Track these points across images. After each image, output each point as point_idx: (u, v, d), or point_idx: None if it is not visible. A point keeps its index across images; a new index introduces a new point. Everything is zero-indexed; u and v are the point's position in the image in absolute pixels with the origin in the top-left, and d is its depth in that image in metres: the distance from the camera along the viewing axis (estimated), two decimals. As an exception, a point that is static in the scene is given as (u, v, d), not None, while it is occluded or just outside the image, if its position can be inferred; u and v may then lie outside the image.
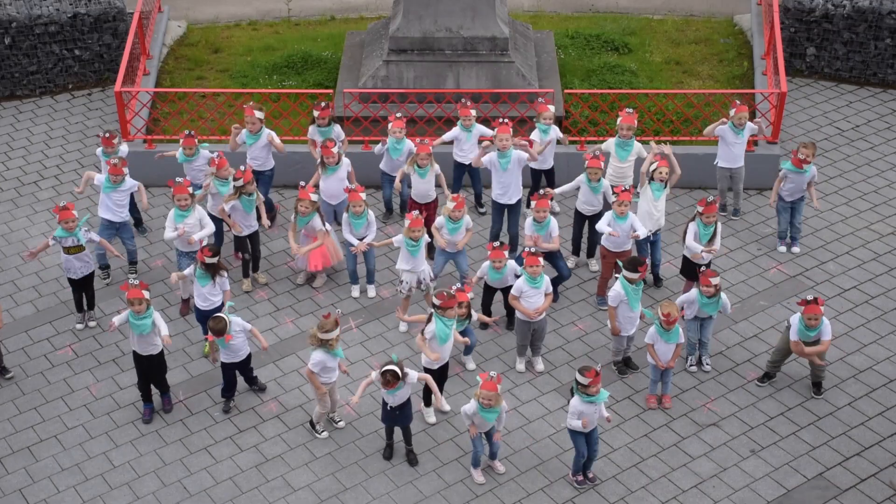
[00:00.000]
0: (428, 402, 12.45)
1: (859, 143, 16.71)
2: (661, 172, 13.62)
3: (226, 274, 12.86)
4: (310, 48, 18.25)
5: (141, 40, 17.17)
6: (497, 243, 12.83)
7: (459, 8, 15.82)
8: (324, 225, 13.79)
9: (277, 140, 14.59)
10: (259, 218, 13.94)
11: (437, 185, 14.44)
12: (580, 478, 11.78)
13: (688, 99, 16.21)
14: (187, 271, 12.94)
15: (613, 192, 13.39)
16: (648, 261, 13.65)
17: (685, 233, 13.43)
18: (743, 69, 17.75)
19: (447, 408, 12.51)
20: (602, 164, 13.82)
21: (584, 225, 14.21)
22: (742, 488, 11.80)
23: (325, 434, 12.32)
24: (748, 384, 12.94)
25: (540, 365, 13.13)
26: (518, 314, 12.76)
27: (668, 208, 14.59)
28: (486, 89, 15.80)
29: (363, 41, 17.33)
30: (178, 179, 13.48)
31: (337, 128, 14.83)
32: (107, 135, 14.27)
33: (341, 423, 12.46)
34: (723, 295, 12.62)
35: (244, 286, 14.17)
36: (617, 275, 12.73)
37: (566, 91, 16.46)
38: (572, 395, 11.31)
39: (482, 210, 15.44)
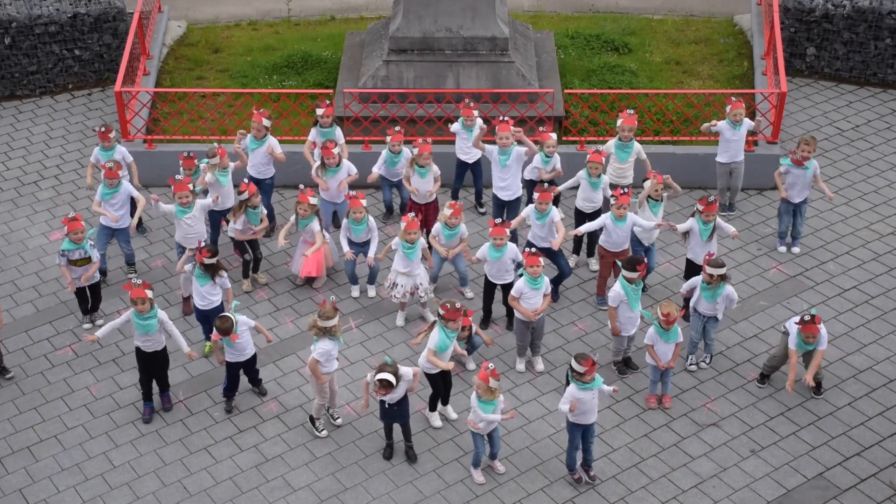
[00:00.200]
0: (433, 408, 12.45)
1: (859, 143, 16.71)
2: (657, 189, 13.62)
3: (225, 274, 12.87)
4: (310, 48, 18.25)
5: (141, 40, 17.17)
6: (499, 220, 12.85)
7: (459, 8, 15.82)
8: (322, 230, 13.80)
9: (278, 150, 14.56)
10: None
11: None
12: (577, 475, 11.79)
13: (688, 99, 16.21)
14: (188, 266, 12.94)
15: (612, 196, 13.38)
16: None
17: (687, 233, 13.45)
18: (743, 69, 17.75)
19: (454, 416, 12.49)
20: (603, 159, 13.84)
21: (584, 221, 14.18)
22: (742, 488, 11.80)
23: (324, 433, 12.33)
24: (748, 384, 12.94)
25: (540, 365, 13.13)
26: (517, 314, 12.77)
27: (668, 208, 14.60)
28: (486, 89, 15.80)
29: (363, 41, 17.33)
30: (178, 177, 13.49)
31: (338, 130, 14.77)
32: (102, 129, 14.27)
33: (339, 420, 12.47)
34: (729, 288, 12.58)
35: (244, 286, 14.17)
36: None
37: (566, 91, 16.45)
38: (567, 383, 11.33)
39: (482, 210, 15.44)
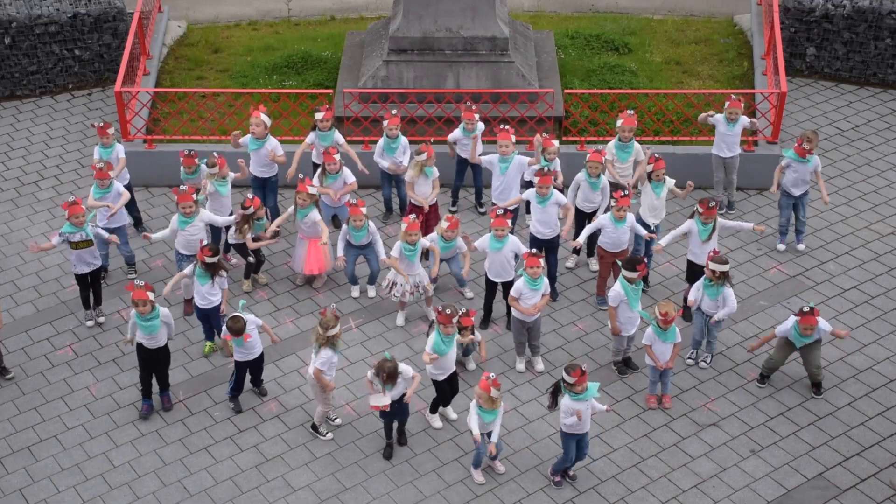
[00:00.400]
0: (434, 410, 12.45)
1: (859, 143, 16.71)
2: (658, 174, 13.65)
3: (225, 274, 12.87)
4: (310, 48, 18.25)
5: (141, 40, 17.17)
6: (501, 211, 12.86)
7: (459, 8, 15.82)
8: (321, 216, 13.81)
9: (280, 152, 14.54)
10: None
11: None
12: (558, 478, 11.79)
13: (688, 99, 16.21)
14: (187, 270, 12.95)
15: (612, 197, 13.38)
16: (646, 258, 13.68)
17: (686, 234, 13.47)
18: (743, 69, 17.75)
19: (453, 416, 12.49)
20: (603, 158, 13.85)
21: (583, 221, 14.20)
22: (742, 488, 11.80)
23: (329, 436, 12.32)
24: (748, 384, 12.94)
25: (540, 365, 13.13)
26: (513, 311, 12.78)
27: (668, 208, 14.59)
28: (486, 89, 15.80)
29: (363, 41, 17.33)
30: (182, 187, 13.48)
31: (337, 133, 14.72)
32: (101, 124, 14.28)
33: (338, 421, 12.47)
34: (729, 290, 12.57)
35: (244, 286, 14.17)
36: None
37: (566, 91, 16.45)
38: (556, 394, 11.27)
39: (482, 210, 15.44)
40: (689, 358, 13.16)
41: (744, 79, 17.51)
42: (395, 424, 12.10)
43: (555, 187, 13.62)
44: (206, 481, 11.91)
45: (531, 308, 12.56)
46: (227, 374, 13.04)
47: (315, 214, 13.68)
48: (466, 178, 15.27)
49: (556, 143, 14.32)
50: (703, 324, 12.88)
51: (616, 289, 12.51)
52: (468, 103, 14.80)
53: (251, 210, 13.64)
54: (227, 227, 14.00)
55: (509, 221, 12.96)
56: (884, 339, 13.51)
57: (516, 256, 13.07)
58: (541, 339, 13.10)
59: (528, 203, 13.86)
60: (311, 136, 14.69)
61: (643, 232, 13.50)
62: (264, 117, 14.40)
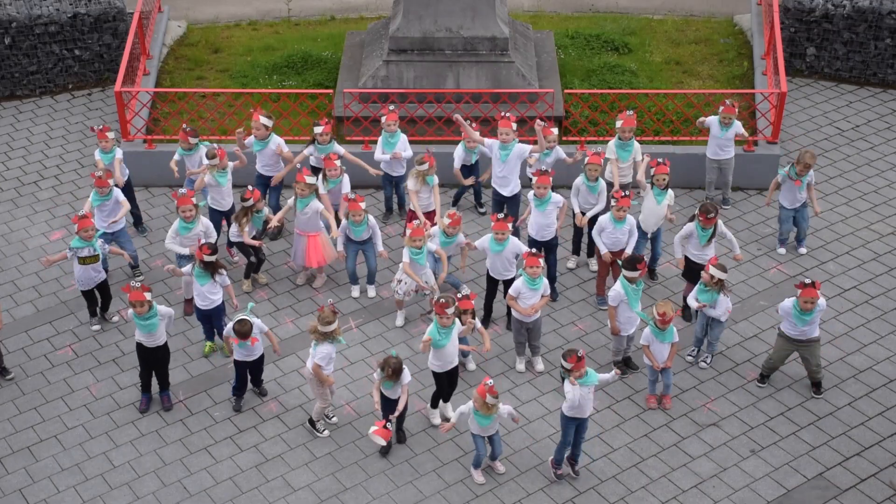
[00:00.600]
0: (434, 405, 12.46)
1: (859, 143, 16.71)
2: (659, 179, 13.65)
3: (224, 272, 12.87)
4: (310, 48, 18.24)
5: (141, 40, 17.17)
6: (501, 215, 12.86)
7: (459, 8, 15.82)
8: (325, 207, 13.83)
9: (285, 148, 14.57)
10: (265, 225, 14.03)
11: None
12: (561, 470, 11.80)
13: (688, 99, 16.21)
14: (185, 269, 12.95)
15: (613, 197, 13.39)
16: (646, 258, 13.70)
17: (682, 229, 13.48)
18: (743, 69, 17.75)
19: (452, 416, 12.48)
20: (602, 161, 13.86)
21: (582, 227, 14.21)
22: (742, 488, 11.80)
23: (326, 433, 12.33)
24: (748, 384, 12.94)
25: (540, 365, 13.13)
26: (513, 311, 12.78)
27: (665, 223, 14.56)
28: (486, 89, 15.80)
29: (363, 41, 17.33)
30: (182, 191, 13.48)
31: (336, 145, 14.68)
32: (100, 127, 14.28)
33: (334, 419, 12.47)
34: (722, 297, 12.59)
35: (244, 286, 14.17)
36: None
37: (566, 91, 16.46)
38: (563, 381, 11.37)
39: (482, 210, 15.44)
40: (689, 355, 13.17)
41: (744, 79, 17.51)
42: (395, 420, 12.12)
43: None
44: (206, 481, 11.91)
45: (529, 309, 12.56)
46: (227, 375, 13.04)
47: (316, 203, 13.68)
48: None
49: (555, 130, 14.34)
50: (704, 322, 12.89)
51: (616, 288, 12.51)
52: (469, 121, 14.78)
53: (250, 202, 13.63)
54: (229, 225, 13.99)
55: (510, 225, 12.94)
56: (884, 339, 13.51)
57: (517, 255, 13.08)
58: (541, 339, 13.09)
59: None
60: (309, 149, 14.61)
61: (633, 238, 13.43)
62: (264, 120, 14.40)
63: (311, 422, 12.37)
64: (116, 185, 14.04)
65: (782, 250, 14.73)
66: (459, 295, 12.23)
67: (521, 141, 14.31)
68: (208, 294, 12.82)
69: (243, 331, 11.96)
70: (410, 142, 14.92)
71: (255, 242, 13.84)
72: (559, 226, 13.63)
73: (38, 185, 16.03)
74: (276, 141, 14.54)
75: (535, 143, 14.40)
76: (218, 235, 14.17)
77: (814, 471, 11.96)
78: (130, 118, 15.78)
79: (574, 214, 14.05)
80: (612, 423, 12.48)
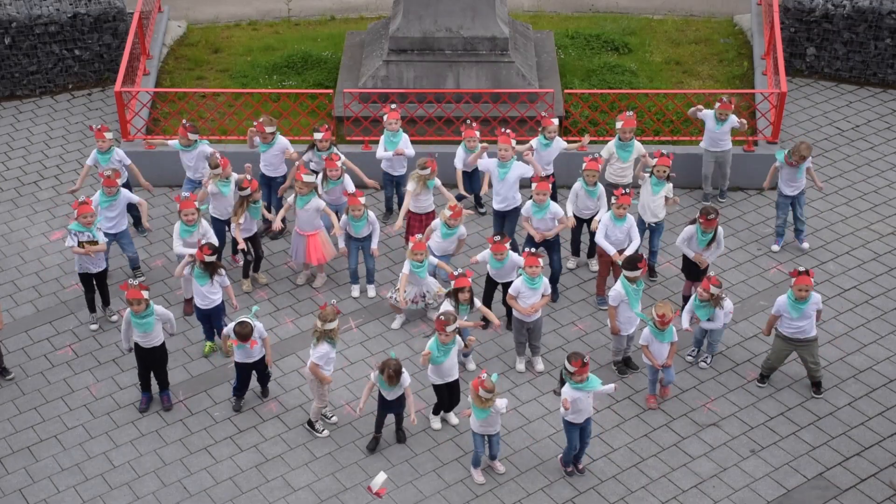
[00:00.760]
0: (436, 412, 12.45)
1: (859, 143, 16.71)
2: (659, 170, 13.68)
3: (224, 272, 12.87)
4: (310, 48, 18.25)
5: (141, 40, 17.17)
6: (497, 237, 12.86)
7: (459, 8, 15.82)
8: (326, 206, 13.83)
9: (291, 149, 14.57)
10: (266, 223, 14.03)
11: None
12: (570, 468, 11.82)
13: (688, 99, 16.21)
14: (186, 270, 12.94)
15: (613, 195, 13.39)
16: (645, 255, 13.71)
17: (682, 232, 13.48)
18: (743, 69, 17.75)
19: (455, 421, 12.48)
20: (600, 167, 13.84)
21: (582, 227, 14.21)
22: (742, 488, 11.80)
23: (325, 433, 12.33)
24: (748, 384, 12.94)
25: (540, 365, 13.13)
26: (514, 311, 12.78)
27: (668, 208, 14.58)
28: (486, 89, 15.80)
29: (363, 41, 17.33)
30: (185, 194, 13.46)
31: (335, 150, 14.68)
32: (98, 127, 14.27)
33: (334, 419, 12.48)
34: (719, 311, 12.59)
35: (244, 286, 14.17)
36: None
37: (566, 91, 16.46)
38: (561, 384, 11.36)
39: (482, 210, 15.44)
40: (689, 355, 13.17)
41: (744, 79, 17.51)
42: (394, 420, 12.13)
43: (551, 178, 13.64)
44: (206, 481, 11.91)
45: (528, 308, 12.56)
46: (227, 375, 13.05)
47: (317, 201, 13.67)
48: (465, 185, 15.21)
49: (555, 121, 14.33)
50: (702, 328, 12.90)
51: (617, 288, 12.51)
52: (469, 121, 14.78)
53: (247, 191, 13.60)
54: (229, 225, 13.97)
55: (507, 245, 12.90)
56: (884, 339, 13.51)
57: (519, 268, 12.99)
58: (541, 339, 13.09)
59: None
60: (307, 155, 14.59)
61: (636, 236, 13.40)
62: (269, 129, 14.34)
63: (310, 423, 12.37)
64: (131, 184, 14.00)
65: (776, 247, 14.73)
66: (455, 273, 12.26)
67: (520, 141, 14.29)
68: (208, 294, 12.82)
69: (243, 333, 11.96)
70: (414, 142, 14.91)
71: (241, 244, 13.74)
72: (559, 229, 13.60)
73: (38, 185, 16.04)
74: (283, 144, 14.54)
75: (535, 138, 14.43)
76: (222, 245, 14.10)
77: (814, 471, 11.96)
78: (130, 118, 15.78)
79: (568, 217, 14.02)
80: (612, 423, 12.48)
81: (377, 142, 15.33)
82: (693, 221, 13.35)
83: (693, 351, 13.18)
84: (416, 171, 14.07)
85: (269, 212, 14.32)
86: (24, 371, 13.17)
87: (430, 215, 14.26)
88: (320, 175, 14.19)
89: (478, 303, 12.53)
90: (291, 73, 17.66)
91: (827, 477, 11.90)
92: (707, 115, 15.02)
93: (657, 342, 12.27)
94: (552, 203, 13.40)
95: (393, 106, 14.62)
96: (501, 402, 11.39)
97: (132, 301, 11.97)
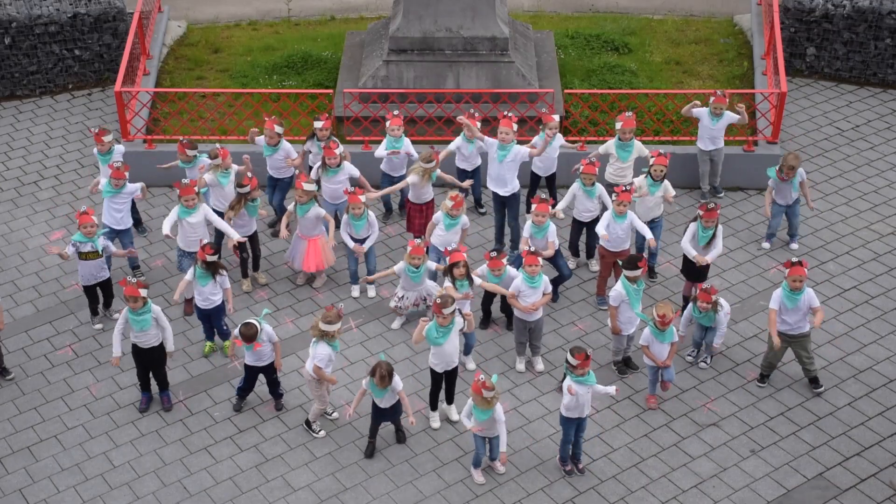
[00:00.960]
0: (434, 406, 12.45)
1: (859, 143, 16.71)
2: (656, 170, 13.69)
3: (225, 273, 12.87)
4: (310, 48, 18.25)
5: (141, 40, 17.17)
6: (493, 253, 12.84)
7: (459, 8, 15.82)
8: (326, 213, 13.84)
9: (293, 155, 14.60)
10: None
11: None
12: (569, 467, 11.83)
13: (688, 99, 16.20)
14: (188, 275, 12.91)
15: (613, 192, 13.40)
16: (645, 254, 13.70)
17: (686, 231, 13.50)
18: (743, 69, 17.75)
19: (455, 417, 12.48)
20: (597, 170, 13.83)
21: (581, 229, 14.22)
22: (742, 488, 11.80)
23: (322, 433, 12.33)
24: (748, 384, 12.94)
25: (540, 365, 13.13)
26: (515, 311, 12.79)
27: (668, 208, 14.60)
28: (486, 89, 15.80)
29: (363, 41, 17.33)
30: (185, 181, 13.50)
31: (334, 138, 14.73)
32: (97, 130, 14.29)
33: (335, 415, 12.48)
34: (720, 316, 12.61)
35: (244, 286, 14.17)
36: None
37: (566, 91, 16.46)
38: (565, 377, 11.39)
39: (482, 210, 15.44)
40: (689, 355, 13.18)
41: (744, 79, 17.51)
42: (390, 427, 12.10)
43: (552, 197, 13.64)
44: (206, 481, 11.91)
45: (529, 306, 12.56)
46: (227, 375, 13.06)
47: (317, 209, 13.69)
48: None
49: (556, 117, 14.34)
50: (701, 327, 12.89)
51: (617, 288, 12.52)
52: (472, 111, 14.79)
53: (247, 188, 13.60)
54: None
55: (505, 261, 12.88)
56: (884, 339, 13.51)
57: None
58: (541, 339, 13.09)
59: (528, 204, 13.86)
60: (308, 144, 14.67)
61: (647, 234, 13.42)
62: (278, 129, 14.42)
63: (308, 423, 12.36)
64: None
65: (767, 245, 14.75)
66: (449, 248, 12.28)
67: (521, 142, 14.30)
68: (210, 295, 12.82)
69: (248, 334, 11.94)
70: (412, 142, 14.92)
71: (238, 240, 13.71)
72: (549, 254, 13.48)
73: (38, 185, 16.04)
74: (286, 149, 14.56)
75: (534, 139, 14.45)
76: (223, 240, 14.13)
77: (814, 471, 11.96)
78: (130, 118, 15.79)
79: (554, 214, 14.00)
80: (612, 423, 12.48)
81: (377, 142, 15.35)
82: (695, 219, 13.35)
83: (693, 351, 13.19)
84: (418, 164, 14.10)
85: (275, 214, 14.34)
86: (24, 371, 13.17)
87: (430, 205, 14.32)
88: (318, 164, 14.23)
89: (477, 279, 12.50)
90: (291, 73, 17.66)
91: (827, 477, 11.90)
92: (702, 112, 15.05)
93: (658, 343, 12.27)
94: (552, 225, 13.34)
95: (395, 112, 14.62)
96: (500, 412, 11.45)
97: (129, 298, 11.97)
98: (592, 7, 20.13)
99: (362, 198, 13.50)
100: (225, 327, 13.19)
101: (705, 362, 13.15)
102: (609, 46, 18.39)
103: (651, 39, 18.71)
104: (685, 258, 13.55)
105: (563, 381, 11.60)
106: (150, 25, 17.80)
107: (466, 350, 13.00)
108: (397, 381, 11.58)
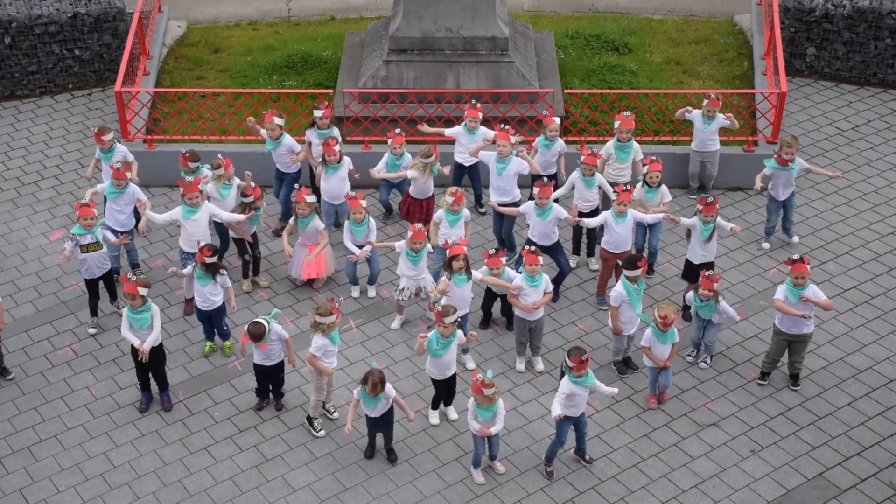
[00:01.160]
0: (435, 406, 12.45)
1: (859, 143, 16.71)
2: (652, 177, 13.69)
3: (226, 273, 12.88)
4: (310, 48, 18.25)
5: (141, 40, 17.17)
6: (492, 251, 12.84)
7: (459, 8, 15.82)
8: (326, 227, 13.85)
9: (297, 149, 14.63)
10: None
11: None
12: (550, 468, 11.83)
13: (688, 99, 16.21)
14: (186, 270, 12.95)
15: (614, 191, 13.41)
16: (645, 253, 13.73)
17: (688, 232, 13.50)
18: (743, 69, 17.75)
19: (454, 416, 12.48)
20: (598, 161, 13.86)
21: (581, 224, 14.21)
22: (742, 488, 11.80)
23: (322, 432, 12.33)
24: (748, 384, 12.94)
25: (540, 365, 13.13)
26: (516, 311, 12.78)
27: (669, 207, 14.60)
28: (486, 89, 15.79)
29: (363, 41, 17.33)
30: (189, 178, 13.50)
31: (335, 130, 14.80)
32: (96, 129, 14.30)
33: (336, 414, 12.47)
34: (723, 303, 12.62)
35: (244, 286, 14.18)
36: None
37: (566, 91, 16.46)
38: (562, 376, 11.40)
39: (482, 210, 15.44)
40: (688, 356, 13.18)
41: (744, 79, 17.51)
42: (383, 441, 12.05)
43: (553, 177, 13.62)
44: (206, 481, 11.91)
45: (530, 305, 12.56)
46: (227, 374, 13.07)
47: (317, 222, 13.72)
48: (465, 182, 15.23)
49: (556, 120, 14.35)
50: (700, 324, 12.90)
51: (618, 289, 12.52)
52: (473, 101, 14.80)
53: (250, 199, 13.63)
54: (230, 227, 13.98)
55: (503, 259, 12.89)
56: (884, 339, 13.51)
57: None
58: (542, 339, 13.09)
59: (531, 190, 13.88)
60: (309, 134, 14.71)
61: (648, 218, 13.48)
62: (278, 120, 14.46)
63: (309, 419, 12.37)
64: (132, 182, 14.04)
65: (766, 245, 14.75)
66: (449, 241, 12.29)
67: (520, 141, 14.31)
68: (209, 295, 12.82)
69: (256, 333, 11.93)
70: (410, 142, 14.92)
71: (248, 237, 13.79)
72: (571, 220, 13.59)
73: (38, 185, 16.04)
74: (289, 144, 14.57)
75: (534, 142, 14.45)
76: (226, 247, 14.13)
77: (814, 471, 11.96)
78: (130, 118, 15.79)
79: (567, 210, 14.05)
80: (612, 423, 12.48)
81: (377, 142, 15.35)
82: (695, 214, 13.35)
83: (692, 351, 13.19)
84: (419, 160, 14.13)
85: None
86: (24, 371, 13.17)
87: (430, 200, 14.34)
88: (319, 160, 14.25)
89: (476, 274, 12.49)
90: (291, 73, 17.66)
91: (827, 477, 11.90)
92: (695, 115, 15.07)
93: (659, 344, 12.26)
94: (555, 206, 13.39)
95: (398, 130, 14.60)
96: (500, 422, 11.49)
97: (128, 296, 11.98)
98: (592, 7, 20.13)
99: (363, 202, 13.49)
100: (225, 328, 13.20)
101: (705, 362, 13.15)
102: (609, 46, 18.39)
103: (651, 39, 18.71)
104: (687, 262, 13.54)
105: (560, 378, 11.57)
106: (150, 25, 17.80)
107: (465, 349, 13.01)
108: (390, 388, 11.49)
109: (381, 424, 11.80)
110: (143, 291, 12.01)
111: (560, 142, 14.54)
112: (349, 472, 11.99)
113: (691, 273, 13.37)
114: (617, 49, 18.35)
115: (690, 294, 12.84)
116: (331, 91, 16.16)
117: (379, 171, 14.57)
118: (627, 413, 12.62)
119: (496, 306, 13.61)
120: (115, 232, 13.72)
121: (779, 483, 11.85)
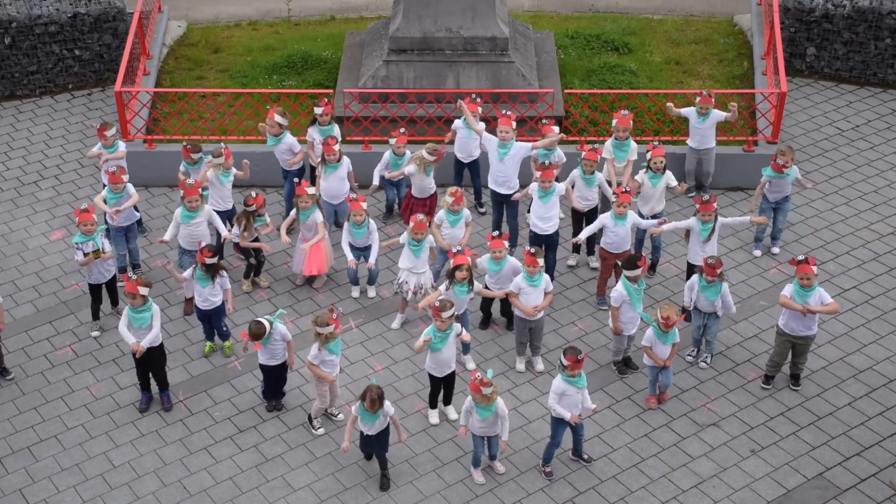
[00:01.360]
0: (433, 405, 12.45)
1: (859, 143, 16.71)
2: (655, 162, 13.72)
3: (226, 273, 12.88)
4: (310, 48, 18.25)
5: (141, 40, 17.17)
6: (496, 233, 12.85)
7: (459, 8, 15.82)
8: (325, 221, 13.83)
9: (297, 149, 14.66)
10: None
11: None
12: (548, 468, 11.83)
13: (688, 99, 16.20)
14: (187, 273, 12.93)
15: (613, 193, 13.41)
16: (645, 252, 13.72)
17: (687, 232, 13.50)
18: (743, 69, 17.75)
19: (454, 416, 12.47)
20: (599, 157, 13.88)
21: (582, 222, 14.21)
22: (742, 488, 11.80)
23: (321, 430, 12.33)
24: (748, 384, 12.94)
25: (540, 365, 13.13)
26: (516, 311, 12.78)
27: (667, 208, 14.59)
28: (486, 89, 15.79)
29: (363, 41, 17.33)
30: (189, 181, 13.50)
31: (336, 127, 14.84)
32: (99, 125, 14.30)
33: (340, 416, 12.47)
34: (725, 285, 12.61)
35: (244, 286, 14.17)
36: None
37: (566, 91, 16.46)
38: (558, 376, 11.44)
39: (482, 210, 15.43)
40: (689, 355, 13.18)
41: (744, 79, 17.51)
42: (378, 464, 11.94)
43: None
44: (206, 481, 11.91)
45: (531, 308, 12.55)
46: (227, 374, 13.06)
47: (318, 216, 13.71)
48: (465, 179, 15.26)
49: (555, 128, 14.35)
50: (701, 322, 12.89)
51: (618, 289, 12.51)
52: (473, 96, 14.81)
53: (253, 207, 13.65)
54: (231, 226, 13.95)
55: (506, 243, 12.89)
56: (884, 339, 13.51)
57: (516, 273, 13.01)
58: (542, 339, 13.09)
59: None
60: (311, 131, 14.73)
61: (645, 223, 13.52)
62: (278, 118, 14.46)
63: (310, 418, 12.37)
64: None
65: (758, 252, 14.70)
66: (454, 250, 12.29)
67: (519, 140, 14.30)
68: (210, 296, 12.82)
69: (256, 332, 11.92)
70: (410, 142, 14.93)
71: (255, 245, 13.84)
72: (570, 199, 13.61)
73: (38, 185, 16.04)
74: (289, 142, 14.59)
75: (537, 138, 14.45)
76: (221, 246, 14.14)
77: (814, 471, 11.96)
78: (130, 118, 15.79)
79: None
80: (612, 423, 12.48)
81: (377, 142, 15.33)
82: (694, 215, 13.35)
83: (692, 351, 13.19)
84: (420, 155, 14.15)
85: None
86: (24, 371, 13.17)
87: (433, 198, 14.36)
88: (319, 160, 14.25)
89: (478, 285, 12.50)
90: (291, 73, 17.66)
91: (827, 477, 11.90)
92: (690, 111, 15.12)
93: (661, 344, 12.26)
94: (557, 185, 13.43)
95: (402, 130, 14.61)
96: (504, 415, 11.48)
97: (129, 295, 11.99)
98: (592, 7, 20.13)
99: (363, 204, 13.49)
100: (225, 328, 13.20)
101: (705, 362, 13.15)
102: (609, 46, 18.39)
103: (651, 39, 18.71)
104: (689, 266, 13.53)
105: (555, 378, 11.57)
106: (150, 25, 17.80)
107: (465, 350, 13.02)
108: (388, 406, 11.35)
109: (376, 445, 11.60)
110: (143, 291, 12.02)
111: (559, 151, 14.50)
112: (349, 472, 11.99)
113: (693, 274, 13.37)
114: (617, 49, 18.35)
115: (693, 279, 12.76)
116: (331, 91, 16.17)
117: (378, 182, 14.68)
118: (627, 413, 12.62)
119: (496, 306, 13.63)
120: (122, 230, 13.72)
121: (779, 483, 11.85)
